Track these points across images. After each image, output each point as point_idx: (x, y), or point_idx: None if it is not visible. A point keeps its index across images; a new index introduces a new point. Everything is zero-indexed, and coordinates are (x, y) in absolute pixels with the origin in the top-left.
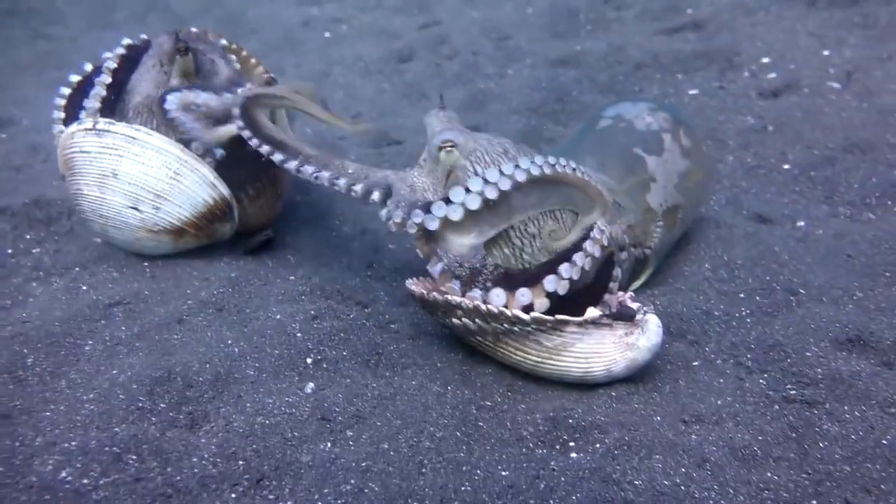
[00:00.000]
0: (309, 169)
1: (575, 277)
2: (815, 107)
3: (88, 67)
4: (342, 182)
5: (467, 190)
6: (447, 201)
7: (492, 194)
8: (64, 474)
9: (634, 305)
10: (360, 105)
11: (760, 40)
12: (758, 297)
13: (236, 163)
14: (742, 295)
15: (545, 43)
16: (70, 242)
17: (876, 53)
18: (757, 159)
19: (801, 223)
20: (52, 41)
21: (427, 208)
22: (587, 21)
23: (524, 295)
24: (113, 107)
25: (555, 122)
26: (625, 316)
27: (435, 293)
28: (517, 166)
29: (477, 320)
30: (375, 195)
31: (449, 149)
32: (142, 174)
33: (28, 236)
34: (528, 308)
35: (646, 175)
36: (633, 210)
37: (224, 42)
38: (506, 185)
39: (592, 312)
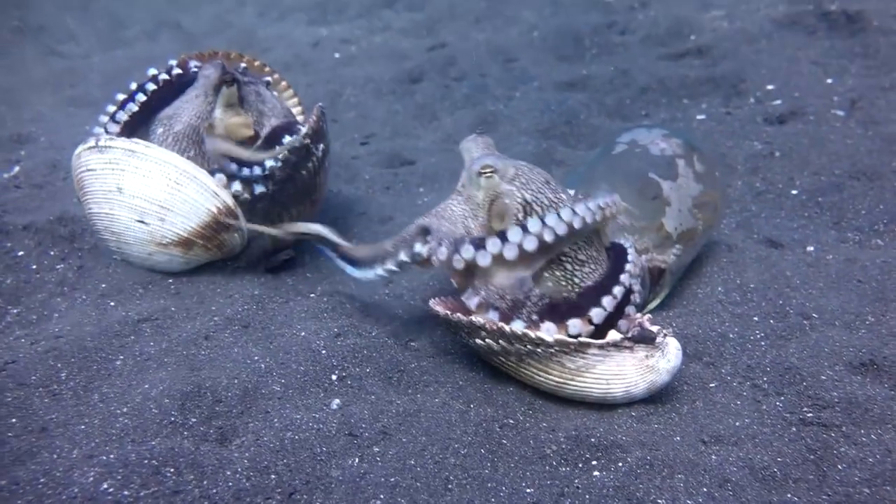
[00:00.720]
0: (370, 274)
1: (612, 310)
2: (821, 134)
3: (133, 86)
4: (392, 265)
5: (525, 230)
6: (503, 239)
7: (549, 237)
8: (105, 486)
9: (654, 328)
10: (372, 126)
11: (764, 67)
12: (771, 321)
13: (288, 184)
14: (756, 318)
15: (551, 66)
16: (93, 259)
17: (878, 83)
18: (765, 184)
19: (810, 248)
20: (66, 59)
21: (479, 244)
22: (592, 45)
23: (574, 326)
24: (138, 129)
25: (564, 144)
26: (645, 339)
27: (459, 314)
28: (575, 213)
29: (500, 341)
30: (418, 246)
31: (489, 174)
32: (143, 186)
33: (52, 253)
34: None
35: (660, 194)
36: (650, 234)
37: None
38: (562, 230)
39: (614, 335)
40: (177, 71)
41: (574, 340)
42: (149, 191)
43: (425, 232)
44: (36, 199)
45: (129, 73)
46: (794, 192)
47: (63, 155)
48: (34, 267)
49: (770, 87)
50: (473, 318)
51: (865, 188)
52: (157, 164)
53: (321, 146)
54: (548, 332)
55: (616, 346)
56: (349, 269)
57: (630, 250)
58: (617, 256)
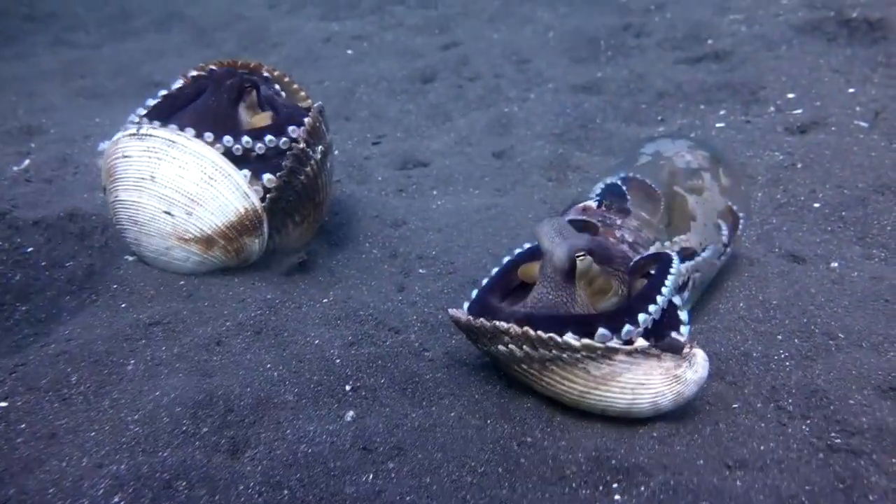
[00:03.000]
0: None
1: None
2: (844, 145)
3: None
4: None
5: (647, 312)
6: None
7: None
8: (116, 499)
9: (681, 338)
10: (384, 125)
11: (784, 75)
12: (796, 340)
13: (290, 192)
14: (780, 336)
15: (566, 68)
16: (103, 258)
17: None
18: (787, 196)
19: (834, 264)
20: (76, 48)
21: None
22: (607, 47)
23: (603, 335)
24: (163, 120)
25: (580, 149)
26: (673, 348)
27: (482, 319)
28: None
29: (525, 347)
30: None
31: (582, 257)
32: (178, 177)
33: (62, 250)
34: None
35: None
36: (673, 248)
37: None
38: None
39: (641, 342)
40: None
41: (601, 345)
42: (182, 182)
43: None
44: (46, 194)
45: (139, 66)
46: (817, 205)
47: (73, 148)
48: (44, 264)
49: (790, 95)
50: (497, 322)
51: (891, 203)
52: (194, 156)
53: (319, 148)
54: (573, 336)
55: (644, 353)
56: None
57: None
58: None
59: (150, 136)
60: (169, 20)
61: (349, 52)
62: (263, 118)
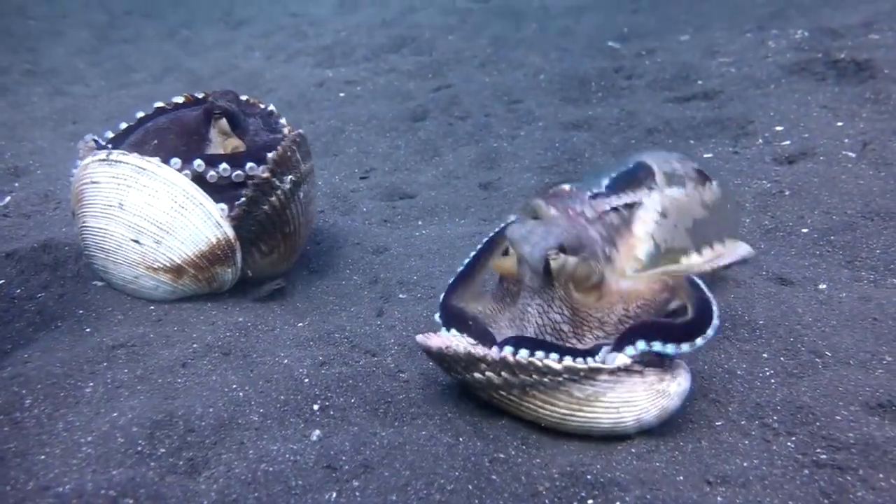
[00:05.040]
0: None
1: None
2: (832, 174)
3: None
4: None
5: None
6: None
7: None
8: None
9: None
10: (373, 160)
11: (773, 110)
12: (782, 358)
13: (251, 221)
14: (765, 355)
15: (556, 107)
16: (76, 286)
17: (890, 127)
18: (774, 222)
19: (822, 286)
20: (72, 97)
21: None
22: (598, 89)
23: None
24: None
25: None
26: (655, 363)
27: (456, 347)
28: None
29: (503, 373)
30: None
31: (554, 256)
32: (147, 205)
33: (34, 281)
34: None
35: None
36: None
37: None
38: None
39: (623, 359)
40: (178, 100)
41: (584, 367)
42: (151, 210)
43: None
44: (23, 228)
45: (130, 111)
46: (805, 230)
47: (57, 186)
48: (15, 294)
49: (779, 128)
50: (472, 350)
51: (879, 228)
52: (164, 184)
53: (289, 178)
54: (555, 359)
55: (627, 370)
56: None
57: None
58: None
59: (120, 162)
60: (167, 72)
61: (341, 94)
62: (237, 145)
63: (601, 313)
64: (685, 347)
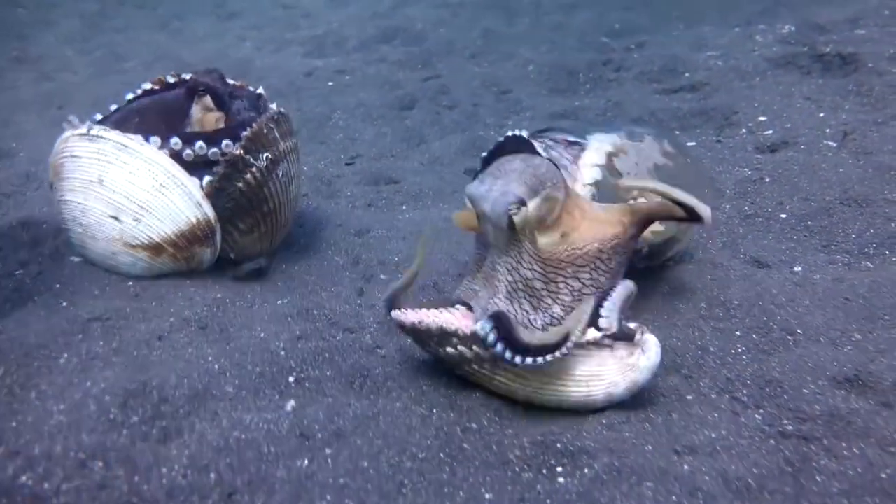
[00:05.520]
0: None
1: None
2: (812, 162)
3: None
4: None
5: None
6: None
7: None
8: (24, 479)
9: (633, 325)
10: (359, 146)
11: (757, 101)
12: (754, 336)
13: (226, 198)
14: (738, 333)
15: (545, 98)
16: (54, 263)
17: (871, 118)
18: (754, 208)
19: (798, 268)
20: (58, 83)
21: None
22: (586, 80)
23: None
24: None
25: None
26: (625, 336)
27: (429, 321)
28: None
29: (474, 347)
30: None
31: (515, 211)
32: (127, 182)
33: (12, 258)
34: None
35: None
36: None
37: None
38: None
39: (593, 333)
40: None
41: (554, 341)
42: (131, 188)
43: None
44: (3, 207)
45: (117, 97)
46: (784, 215)
47: (39, 167)
48: None
49: (762, 118)
50: (444, 324)
51: (856, 213)
52: (146, 162)
53: (265, 155)
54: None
55: (596, 344)
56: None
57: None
58: None
59: (101, 137)
60: (157, 61)
61: (330, 83)
62: (217, 118)
63: (574, 259)
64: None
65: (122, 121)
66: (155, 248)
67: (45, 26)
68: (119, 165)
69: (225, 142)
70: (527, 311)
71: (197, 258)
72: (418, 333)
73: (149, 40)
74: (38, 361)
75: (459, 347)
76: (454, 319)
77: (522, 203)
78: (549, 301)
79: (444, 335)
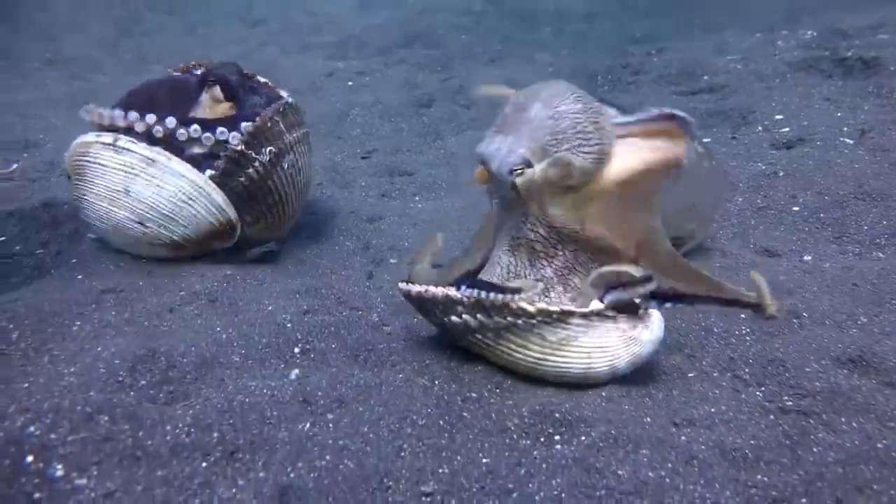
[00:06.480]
0: None
1: None
2: (828, 157)
3: None
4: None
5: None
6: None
7: None
8: (32, 429)
9: (636, 299)
10: (375, 141)
11: (775, 102)
12: (759, 319)
13: (229, 192)
14: (743, 315)
15: None
16: (71, 243)
17: (890, 118)
18: (767, 201)
19: (808, 258)
20: (88, 83)
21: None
22: (605, 83)
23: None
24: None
25: None
26: (628, 309)
27: (434, 290)
28: None
29: (479, 315)
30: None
31: (519, 172)
32: (154, 195)
33: (34, 239)
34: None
35: None
36: None
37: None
38: None
39: (597, 304)
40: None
41: (556, 309)
42: (158, 200)
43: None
44: (27, 191)
45: None
46: (796, 208)
47: (63, 157)
48: (15, 251)
49: (779, 117)
50: (449, 292)
51: (869, 206)
52: (174, 176)
53: (268, 149)
54: (529, 301)
55: (599, 315)
56: None
57: None
58: None
59: (128, 150)
60: (185, 56)
61: (350, 83)
62: (225, 111)
63: (579, 242)
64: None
65: (133, 95)
66: (177, 247)
67: (76, 30)
68: (146, 179)
69: (220, 129)
70: (525, 264)
71: (215, 247)
72: (424, 302)
73: (176, 44)
74: (52, 328)
75: (464, 316)
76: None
77: (528, 165)
78: (544, 262)
79: (450, 303)
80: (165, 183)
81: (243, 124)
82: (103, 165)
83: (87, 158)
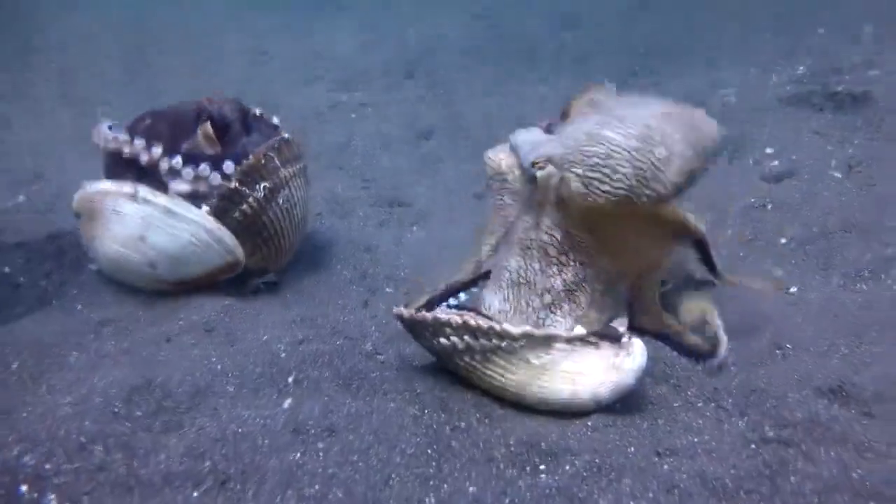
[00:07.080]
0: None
1: None
2: (815, 190)
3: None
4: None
5: None
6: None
7: None
8: (27, 458)
9: (620, 328)
10: (375, 171)
11: (766, 135)
12: (744, 349)
13: (225, 226)
14: (728, 346)
15: None
16: (74, 272)
17: (879, 153)
18: (755, 233)
19: (793, 289)
20: (97, 121)
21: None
22: None
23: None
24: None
25: None
26: (611, 337)
27: (424, 313)
28: None
29: (466, 337)
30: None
31: (542, 164)
32: (168, 243)
33: (38, 270)
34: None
35: None
36: None
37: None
38: None
39: (579, 330)
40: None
41: (541, 333)
42: (171, 246)
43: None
44: (34, 223)
45: None
46: (783, 240)
47: (72, 188)
48: (19, 282)
49: (769, 150)
50: (438, 314)
51: (855, 239)
52: (189, 224)
53: (263, 185)
54: (513, 325)
55: (582, 340)
56: None
57: None
58: None
59: (148, 202)
60: (194, 95)
61: (353, 115)
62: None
63: (590, 259)
64: None
65: (138, 121)
66: (182, 283)
67: (88, 70)
68: (164, 228)
69: (202, 165)
70: (535, 270)
71: (217, 281)
72: (415, 325)
73: (187, 83)
74: (50, 358)
75: (452, 338)
76: (450, 313)
77: (550, 161)
78: (555, 269)
79: (439, 325)
80: (182, 231)
81: (226, 163)
82: (121, 213)
83: (105, 204)
